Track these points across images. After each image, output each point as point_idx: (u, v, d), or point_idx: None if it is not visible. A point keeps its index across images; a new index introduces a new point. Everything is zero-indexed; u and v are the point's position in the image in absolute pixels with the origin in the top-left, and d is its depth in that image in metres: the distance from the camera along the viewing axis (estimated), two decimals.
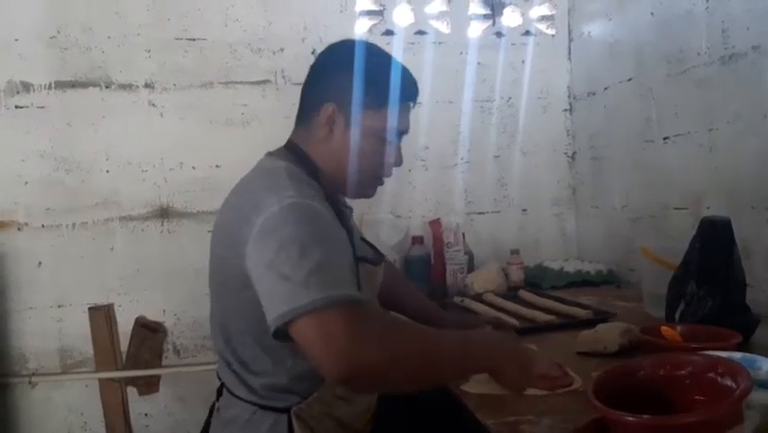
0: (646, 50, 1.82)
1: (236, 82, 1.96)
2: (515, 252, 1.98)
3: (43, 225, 1.84)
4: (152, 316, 1.89)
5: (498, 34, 2.16)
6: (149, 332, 1.85)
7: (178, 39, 1.92)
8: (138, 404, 1.84)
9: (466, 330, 1.19)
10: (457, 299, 1.74)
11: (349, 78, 1.04)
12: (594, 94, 2.13)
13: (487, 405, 0.98)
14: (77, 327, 1.81)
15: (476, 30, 2.12)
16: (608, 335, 1.18)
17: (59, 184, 1.85)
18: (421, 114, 2.07)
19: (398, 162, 1.14)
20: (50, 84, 1.83)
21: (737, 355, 0.84)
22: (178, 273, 1.88)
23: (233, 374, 1.03)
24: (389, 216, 2.08)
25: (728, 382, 0.68)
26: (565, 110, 2.26)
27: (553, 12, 2.17)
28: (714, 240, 1.20)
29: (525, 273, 1.97)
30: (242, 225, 0.92)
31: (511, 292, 1.81)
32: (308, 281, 0.81)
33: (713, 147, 1.58)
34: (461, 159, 2.16)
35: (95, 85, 1.87)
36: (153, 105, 1.91)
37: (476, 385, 1.05)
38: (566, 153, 2.27)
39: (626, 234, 1.97)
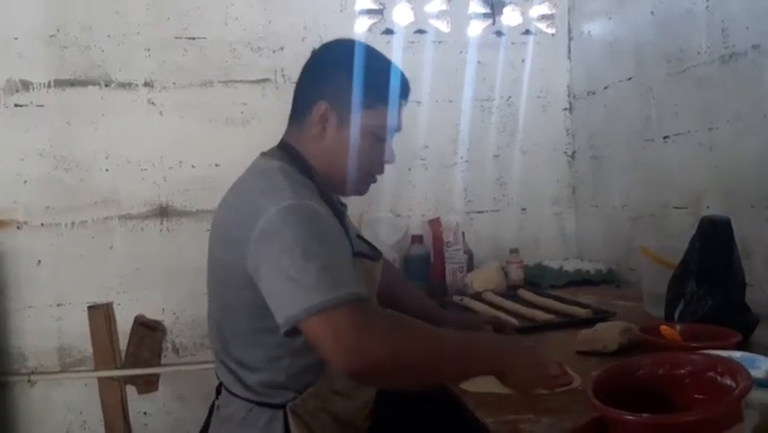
0: (646, 50, 1.82)
1: (236, 81, 1.96)
2: (514, 251, 1.98)
3: (42, 224, 1.84)
4: (151, 314, 1.89)
5: (498, 33, 2.16)
6: (148, 331, 1.85)
7: (177, 37, 1.92)
8: (137, 403, 1.84)
9: (469, 331, 1.19)
10: (456, 298, 1.74)
11: (341, 77, 1.06)
12: (594, 93, 2.12)
13: (486, 404, 0.98)
14: (76, 325, 1.81)
15: (476, 29, 2.12)
16: (608, 334, 1.18)
17: (59, 183, 1.84)
18: (421, 113, 2.07)
19: (391, 160, 1.15)
20: (49, 82, 1.83)
21: (737, 355, 0.84)
22: (178, 272, 1.88)
23: (230, 372, 1.04)
24: (389, 215, 2.08)
25: (728, 382, 0.68)
26: (565, 109, 2.26)
27: (553, 11, 2.17)
28: (714, 239, 1.20)
29: (524, 272, 1.98)
30: (241, 226, 0.94)
31: (510, 291, 1.81)
32: (315, 283, 0.84)
33: (713, 146, 1.58)
34: (461, 158, 2.16)
35: (94, 83, 1.86)
36: (153, 103, 1.91)
37: (475, 384, 1.05)
38: (566, 152, 2.27)
39: (625, 234, 1.97)
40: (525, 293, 1.74)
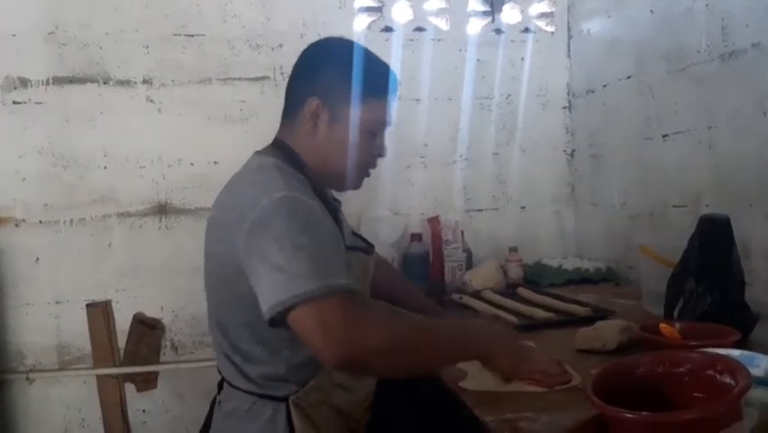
0: (646, 48, 1.82)
1: (234, 78, 1.96)
2: (513, 249, 1.98)
3: (41, 222, 1.83)
4: (150, 312, 1.89)
5: (498, 31, 2.16)
6: (147, 328, 1.85)
7: (176, 35, 1.91)
8: (136, 400, 1.85)
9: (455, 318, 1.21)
10: (456, 297, 1.74)
11: (332, 73, 1.08)
12: (593, 91, 2.12)
13: (485, 402, 0.97)
14: (74, 323, 1.81)
15: (475, 27, 2.11)
16: (607, 332, 1.17)
17: (57, 180, 1.84)
18: (420, 111, 2.07)
19: (382, 154, 1.16)
20: (47, 80, 1.83)
21: (736, 353, 0.84)
22: (176, 270, 1.87)
23: (232, 366, 1.04)
24: (388, 214, 2.07)
25: (727, 380, 0.67)
26: (564, 107, 2.26)
27: (553, 9, 2.17)
28: (713, 238, 1.20)
29: (523, 271, 1.98)
30: (234, 220, 0.95)
31: (510, 290, 1.80)
32: (304, 272, 0.85)
33: (712, 145, 1.58)
34: (460, 156, 2.16)
35: (92, 81, 1.86)
36: (151, 101, 1.90)
37: (474, 382, 1.05)
38: (565, 151, 2.27)
39: (624, 232, 1.97)
40: (524, 291, 1.74)
